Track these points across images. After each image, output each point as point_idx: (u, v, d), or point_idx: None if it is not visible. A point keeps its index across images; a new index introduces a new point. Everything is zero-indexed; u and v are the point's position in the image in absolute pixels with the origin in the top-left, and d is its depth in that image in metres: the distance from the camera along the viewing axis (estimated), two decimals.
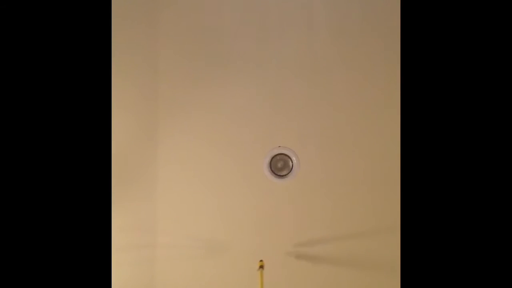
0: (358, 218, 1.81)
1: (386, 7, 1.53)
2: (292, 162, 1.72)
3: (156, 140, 1.76)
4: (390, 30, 1.55)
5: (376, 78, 1.63)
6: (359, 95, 1.66)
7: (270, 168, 1.74)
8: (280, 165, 1.73)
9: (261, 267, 1.65)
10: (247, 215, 1.86)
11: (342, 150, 1.73)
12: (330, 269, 1.90)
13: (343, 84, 1.65)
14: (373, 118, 1.67)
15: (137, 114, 1.74)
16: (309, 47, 1.61)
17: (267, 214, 1.83)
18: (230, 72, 1.67)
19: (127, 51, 1.65)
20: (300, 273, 1.92)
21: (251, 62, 1.66)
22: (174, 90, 1.70)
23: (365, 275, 1.88)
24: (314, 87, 1.66)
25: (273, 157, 1.73)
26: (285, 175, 1.74)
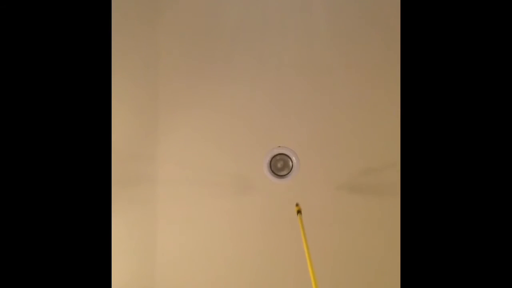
0: (358, 217, 1.81)
1: (386, 8, 1.53)
2: (292, 162, 1.72)
3: (156, 139, 1.76)
4: (390, 30, 1.55)
5: (377, 78, 1.63)
6: (359, 94, 1.66)
7: (270, 168, 1.74)
8: (280, 165, 1.73)
9: (299, 212, 1.61)
10: (247, 215, 1.86)
11: (342, 150, 1.74)
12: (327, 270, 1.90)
13: (344, 84, 1.65)
14: (373, 118, 1.67)
15: (137, 114, 1.74)
16: (310, 47, 1.61)
17: (267, 214, 1.83)
18: (231, 72, 1.67)
19: (127, 51, 1.64)
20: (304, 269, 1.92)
21: (252, 62, 1.66)
22: (174, 90, 1.70)
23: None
24: (314, 87, 1.66)
25: (273, 157, 1.73)
26: (285, 175, 1.74)
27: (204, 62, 1.67)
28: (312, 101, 1.68)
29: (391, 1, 1.52)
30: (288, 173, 1.74)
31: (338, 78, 1.65)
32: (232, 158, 1.77)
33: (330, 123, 1.70)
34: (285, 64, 1.65)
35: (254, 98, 1.70)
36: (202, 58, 1.67)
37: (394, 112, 1.64)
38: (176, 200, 1.85)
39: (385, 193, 1.75)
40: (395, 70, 1.58)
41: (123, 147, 1.76)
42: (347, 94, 1.66)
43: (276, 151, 1.72)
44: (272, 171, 1.74)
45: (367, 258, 1.86)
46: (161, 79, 1.69)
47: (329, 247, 1.87)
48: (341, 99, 1.67)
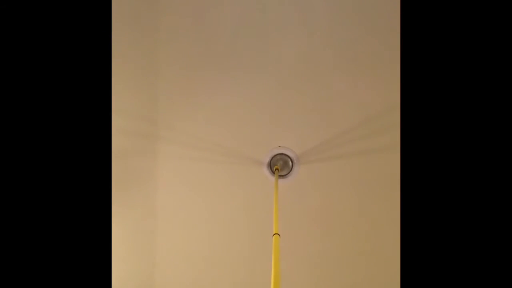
0: (357, 217, 1.81)
1: (386, 11, 1.53)
2: (292, 162, 1.73)
3: (156, 141, 1.76)
4: (390, 33, 1.54)
5: (376, 80, 1.62)
6: (359, 95, 1.66)
7: (270, 168, 1.74)
8: (280, 165, 1.73)
9: (277, 169, 1.66)
10: (246, 215, 1.86)
11: (342, 150, 1.73)
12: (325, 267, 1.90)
13: (343, 85, 1.65)
14: (373, 118, 1.67)
15: (136, 117, 1.74)
16: (309, 49, 1.61)
17: (267, 214, 1.83)
18: (231, 74, 1.66)
19: (127, 55, 1.64)
20: (297, 270, 1.93)
21: (252, 64, 1.65)
22: (174, 92, 1.69)
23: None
24: (314, 87, 1.66)
25: (273, 157, 1.73)
26: (285, 175, 1.74)
27: (204, 65, 1.66)
28: (313, 101, 1.68)
29: (391, 4, 1.51)
30: (288, 173, 1.74)
31: (337, 78, 1.64)
32: (232, 158, 1.77)
33: (330, 123, 1.70)
34: (286, 64, 1.64)
35: (254, 99, 1.69)
36: (202, 61, 1.66)
37: (394, 112, 1.64)
38: (175, 199, 1.85)
39: (386, 193, 1.75)
40: (395, 70, 1.58)
41: (123, 149, 1.76)
42: (347, 94, 1.66)
43: (276, 151, 1.72)
44: (272, 171, 1.74)
45: (367, 259, 1.86)
46: (160, 83, 1.69)
47: (329, 248, 1.87)
48: (341, 99, 1.67)
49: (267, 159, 1.74)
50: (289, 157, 1.72)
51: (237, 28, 1.60)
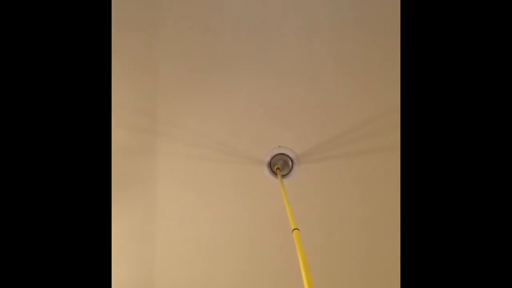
0: (358, 217, 1.81)
1: (386, 13, 1.53)
2: (292, 162, 1.73)
3: (156, 140, 1.76)
4: (390, 35, 1.54)
5: (376, 81, 1.63)
6: (360, 95, 1.66)
7: (270, 168, 1.74)
8: (280, 165, 1.73)
9: (278, 169, 1.65)
10: (246, 215, 1.86)
11: (342, 150, 1.74)
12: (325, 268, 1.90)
13: (343, 85, 1.65)
14: (373, 119, 1.67)
15: (136, 116, 1.74)
16: (309, 50, 1.61)
17: (267, 214, 1.83)
18: (232, 73, 1.66)
19: (126, 56, 1.64)
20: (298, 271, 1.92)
21: (252, 64, 1.65)
22: (174, 91, 1.69)
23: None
24: (315, 88, 1.66)
25: (273, 157, 1.73)
26: (285, 175, 1.74)
27: (204, 66, 1.66)
28: (313, 101, 1.68)
29: (391, 5, 1.51)
30: (288, 173, 1.74)
31: (337, 78, 1.64)
32: (232, 158, 1.77)
33: (330, 123, 1.70)
34: (286, 64, 1.65)
35: (254, 99, 1.69)
36: (202, 62, 1.66)
37: (394, 113, 1.64)
38: (175, 198, 1.85)
39: (386, 193, 1.75)
40: (395, 71, 1.58)
41: (123, 149, 1.76)
42: (346, 94, 1.66)
43: (276, 151, 1.72)
44: (272, 171, 1.74)
45: (367, 259, 1.86)
46: (160, 84, 1.69)
47: (329, 248, 1.87)
48: (341, 100, 1.67)
49: (267, 159, 1.74)
50: (289, 157, 1.72)
51: (238, 28, 1.60)
